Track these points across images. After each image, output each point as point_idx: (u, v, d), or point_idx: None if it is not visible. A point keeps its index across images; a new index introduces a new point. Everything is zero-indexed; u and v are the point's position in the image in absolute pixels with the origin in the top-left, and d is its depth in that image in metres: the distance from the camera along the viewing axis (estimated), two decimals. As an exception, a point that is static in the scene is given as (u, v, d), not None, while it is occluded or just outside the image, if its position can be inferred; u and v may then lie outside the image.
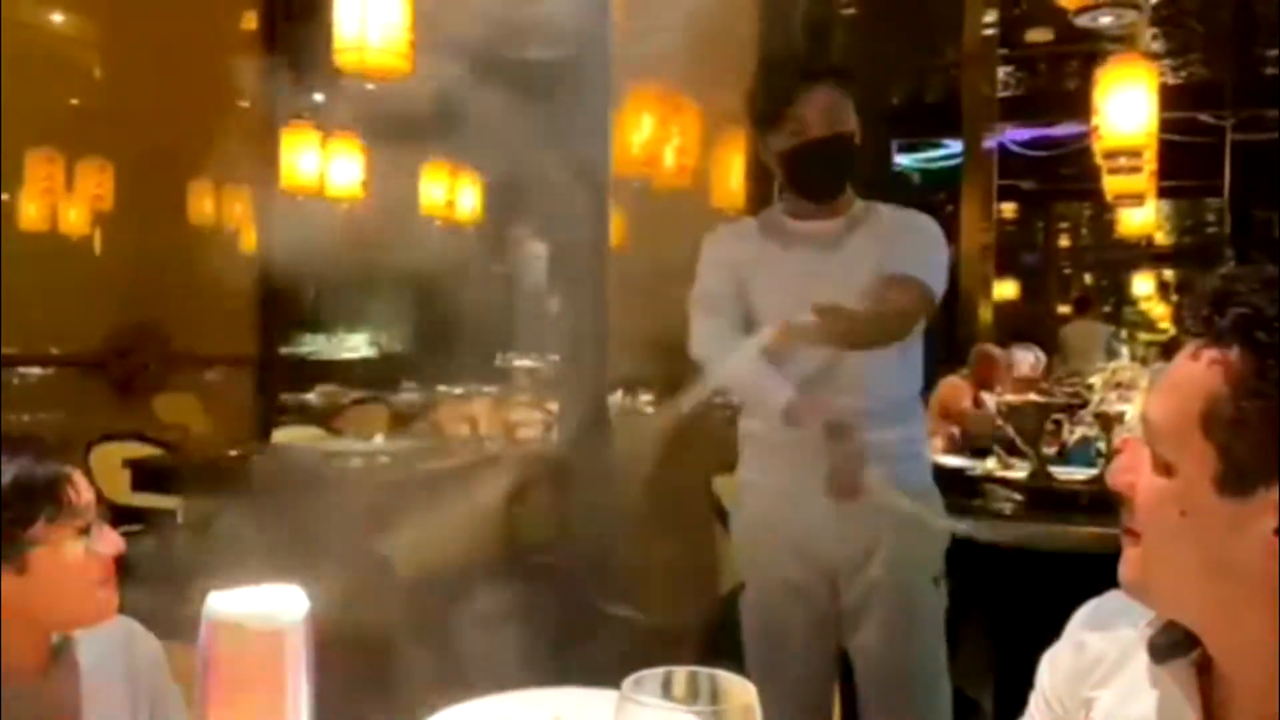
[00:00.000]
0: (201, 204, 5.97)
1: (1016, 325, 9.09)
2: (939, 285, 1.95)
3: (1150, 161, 5.06)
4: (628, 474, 2.26)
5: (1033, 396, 2.92)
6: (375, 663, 1.08)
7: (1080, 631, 0.97)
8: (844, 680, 2.87)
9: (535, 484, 2.06)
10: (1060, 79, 9.16)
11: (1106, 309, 14.02)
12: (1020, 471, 2.72)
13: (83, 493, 1.16)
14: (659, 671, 0.50)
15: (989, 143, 7.06)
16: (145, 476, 3.24)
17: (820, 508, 1.88)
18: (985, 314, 6.73)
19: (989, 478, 2.78)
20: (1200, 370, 0.78)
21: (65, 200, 5.45)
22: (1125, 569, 0.85)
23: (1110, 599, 0.96)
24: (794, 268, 1.97)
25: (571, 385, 2.53)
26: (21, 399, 4.83)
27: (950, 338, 6.95)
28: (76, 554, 1.13)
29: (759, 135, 2.06)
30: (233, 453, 3.42)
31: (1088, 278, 15.27)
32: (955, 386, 4.28)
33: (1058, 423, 2.70)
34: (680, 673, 0.50)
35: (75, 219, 5.49)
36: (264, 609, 0.78)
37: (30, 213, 5.30)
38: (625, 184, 4.31)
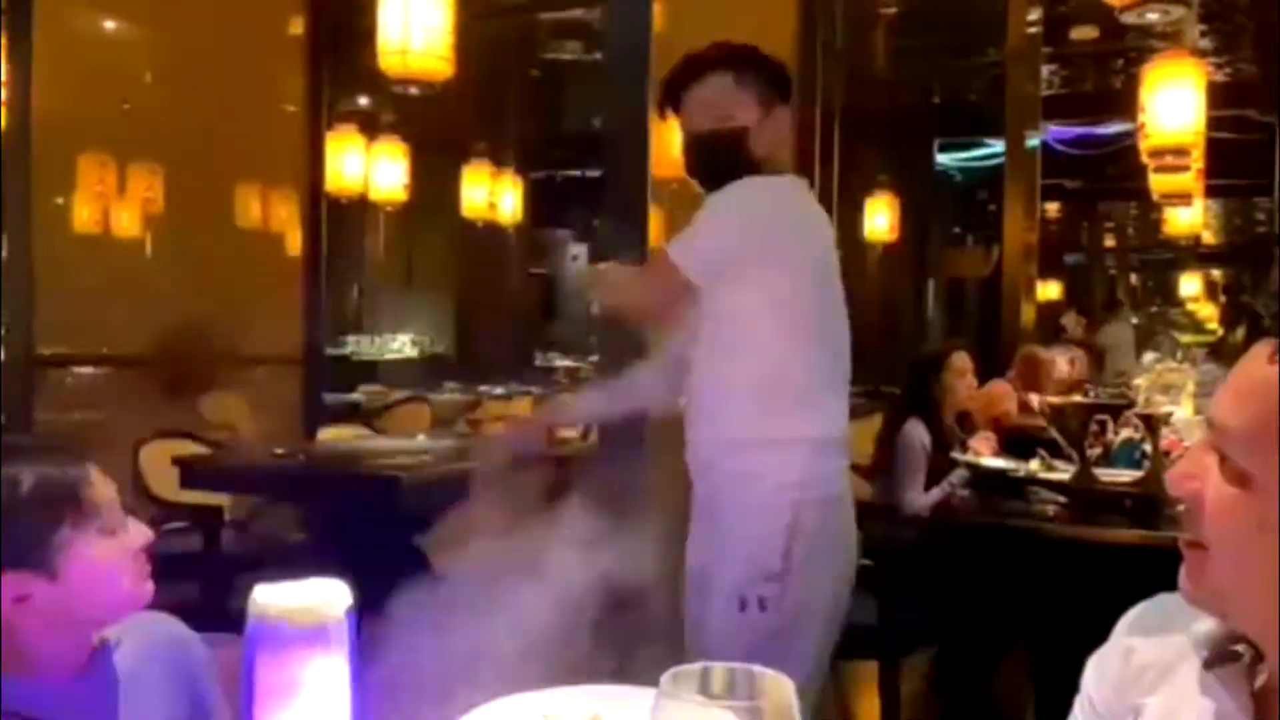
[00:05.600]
0: (249, 207, 6.06)
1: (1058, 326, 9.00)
2: (674, 249, 1.93)
3: (1198, 160, 4.99)
4: (665, 471, 2.28)
5: (1076, 398, 2.89)
6: (416, 658, 1.10)
7: (1128, 636, 0.94)
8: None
9: (573, 483, 2.07)
10: (1106, 77, 9.04)
11: (1153, 309, 13.80)
12: (1064, 473, 2.69)
13: (103, 489, 1.16)
14: (696, 667, 0.51)
15: (1032, 142, 6.96)
16: (193, 474, 3.29)
17: None
18: (1028, 314, 6.64)
19: (1032, 479, 2.76)
20: None
21: (117, 203, 5.55)
22: (1188, 581, 0.82)
23: (1158, 603, 0.93)
24: None
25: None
26: (73, 398, 4.93)
27: (992, 339, 6.87)
28: (105, 552, 1.14)
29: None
30: (278, 451, 3.47)
31: (1134, 278, 15.04)
32: (1000, 389, 4.23)
33: (1102, 424, 2.67)
34: (718, 668, 0.50)
35: (126, 222, 5.60)
36: (308, 602, 0.79)
37: (83, 215, 5.41)
38: (664, 184, 4.32)
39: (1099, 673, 0.95)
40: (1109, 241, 14.29)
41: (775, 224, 1.92)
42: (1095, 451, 2.68)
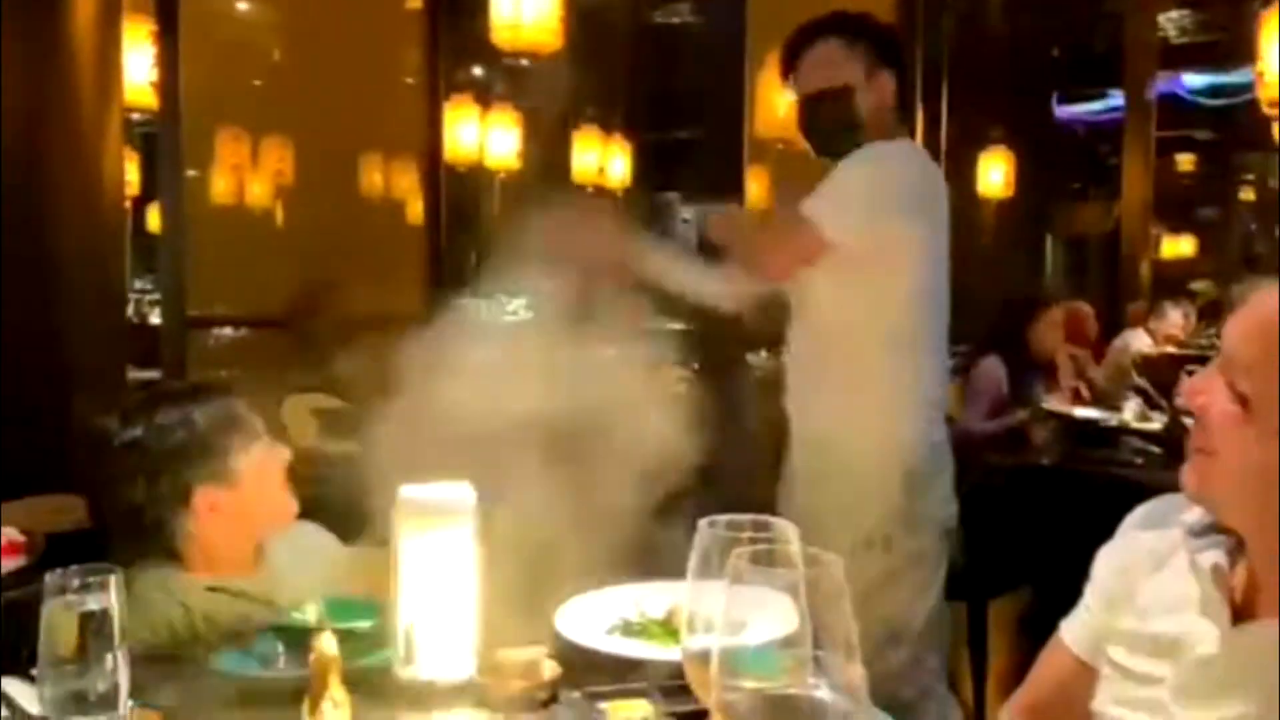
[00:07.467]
0: (372, 176, 6.36)
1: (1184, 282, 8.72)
2: (829, 220, 1.97)
3: (1325, 107, 4.79)
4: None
5: (1168, 349, 2.90)
6: (529, 553, 1.28)
7: (1132, 530, 1.09)
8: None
9: (674, 431, 2.22)
10: (1239, 22, 8.66)
11: (1292, 266, 13.08)
12: (1156, 424, 2.73)
13: (253, 417, 1.44)
14: (724, 519, 0.67)
15: (1153, 91, 6.77)
16: (330, 424, 3.57)
17: None
18: (1145, 270, 6.52)
19: (1124, 429, 2.80)
20: None
21: (250, 175, 5.89)
22: (1190, 478, 0.96)
23: (1161, 502, 1.07)
24: None
25: (711, 344, 2.67)
26: (214, 356, 5.29)
27: (1110, 292, 6.75)
28: (268, 461, 1.42)
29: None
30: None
31: (1279, 231, 14.30)
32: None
33: (1193, 374, 2.69)
34: (745, 517, 0.66)
35: (259, 192, 5.94)
36: (443, 496, 0.99)
37: (219, 187, 5.76)
38: (769, 145, 4.40)
39: (1106, 561, 1.09)
40: (1248, 194, 13.64)
41: (905, 190, 2.04)
42: (1189, 402, 2.70)
